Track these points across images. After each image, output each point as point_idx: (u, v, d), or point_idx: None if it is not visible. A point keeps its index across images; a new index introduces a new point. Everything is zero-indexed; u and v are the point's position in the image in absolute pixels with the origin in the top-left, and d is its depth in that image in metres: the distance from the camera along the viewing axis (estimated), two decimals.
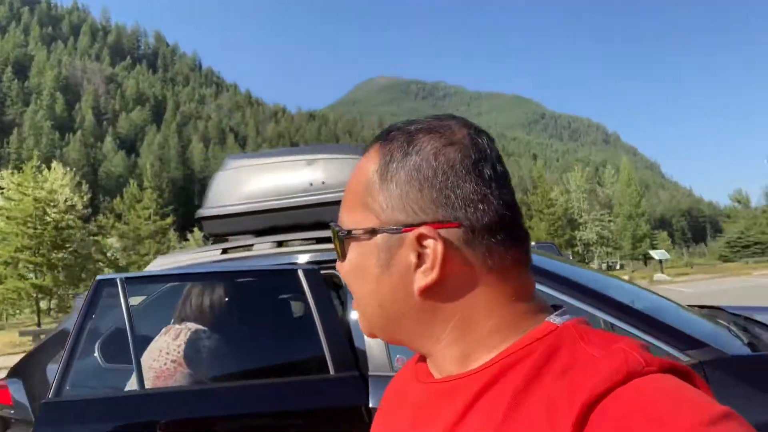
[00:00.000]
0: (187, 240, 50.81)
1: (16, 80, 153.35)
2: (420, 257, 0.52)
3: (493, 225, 0.52)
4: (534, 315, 0.53)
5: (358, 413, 1.94)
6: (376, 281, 0.55)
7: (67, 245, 23.86)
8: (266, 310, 2.57)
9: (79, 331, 1.91)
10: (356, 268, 0.57)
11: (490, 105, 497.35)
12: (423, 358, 0.61)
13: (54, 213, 23.85)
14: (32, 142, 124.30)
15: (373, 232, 0.54)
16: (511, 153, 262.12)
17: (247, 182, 2.86)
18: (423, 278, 0.52)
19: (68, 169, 26.47)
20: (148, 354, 2.12)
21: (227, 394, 2.00)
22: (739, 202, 63.34)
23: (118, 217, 29.17)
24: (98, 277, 2.04)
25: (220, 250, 2.73)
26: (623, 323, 1.90)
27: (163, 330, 2.18)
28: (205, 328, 2.17)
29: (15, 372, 2.80)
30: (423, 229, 0.51)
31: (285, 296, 2.76)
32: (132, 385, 1.97)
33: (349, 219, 0.57)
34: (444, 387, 0.54)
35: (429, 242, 0.51)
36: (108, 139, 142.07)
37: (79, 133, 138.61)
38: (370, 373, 2.06)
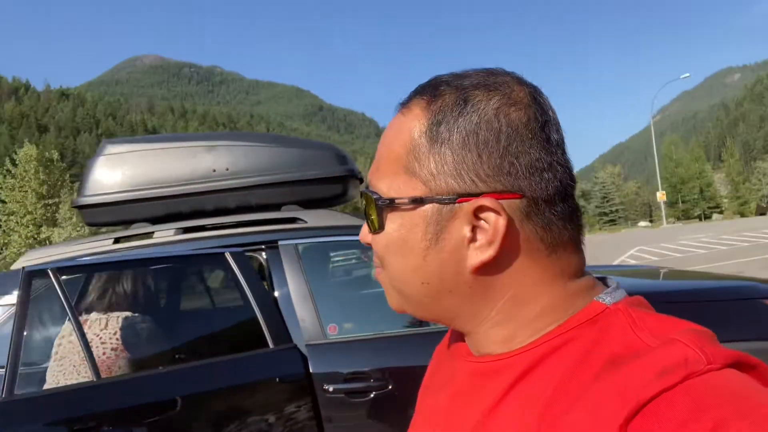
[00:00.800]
0: None
1: None
2: (474, 230, 0.48)
3: (557, 196, 0.48)
4: (584, 293, 0.49)
5: (300, 381, 2.17)
6: (422, 256, 0.50)
7: None
8: (198, 293, 2.57)
9: (20, 329, 1.77)
10: (397, 241, 0.51)
11: (269, 94, 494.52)
12: (460, 334, 0.58)
13: None
14: None
15: (421, 201, 0.49)
16: None
17: (138, 168, 2.77)
18: (478, 255, 0.48)
19: None
20: (74, 347, 2.02)
21: (176, 376, 2.04)
22: None
23: None
24: (26, 268, 1.87)
25: (112, 240, 2.61)
26: None
27: (81, 322, 2.08)
28: (137, 314, 2.14)
29: None
30: (484, 201, 0.47)
31: (217, 278, 2.78)
32: (76, 378, 1.89)
33: (388, 186, 0.51)
34: (484, 367, 0.51)
35: (489, 215, 0.47)
36: None
37: None
38: (306, 343, 2.29)
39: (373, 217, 0.53)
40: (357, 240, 2.58)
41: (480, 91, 0.48)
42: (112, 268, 2.07)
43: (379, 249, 0.54)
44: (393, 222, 0.51)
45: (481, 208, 0.47)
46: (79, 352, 1.96)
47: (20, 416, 1.68)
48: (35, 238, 34.42)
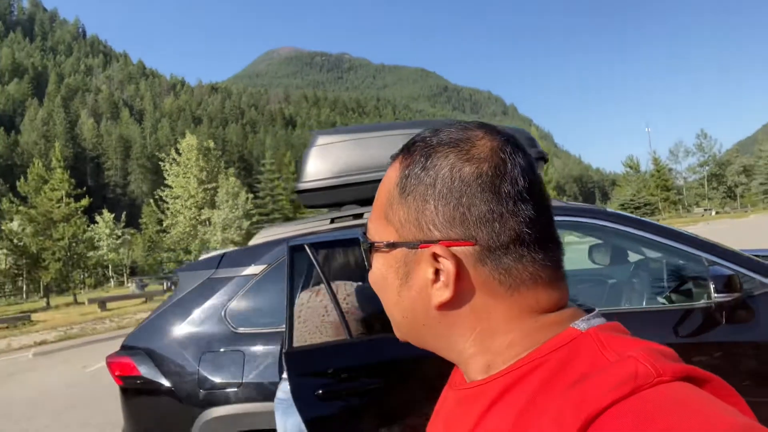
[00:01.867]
0: (95, 222, 48.30)
1: None
2: (437, 273, 0.53)
3: (511, 243, 0.51)
4: (562, 323, 0.52)
5: None
6: (397, 293, 0.56)
7: None
8: None
9: (291, 292, 2.14)
10: (380, 278, 0.58)
11: (395, 78, 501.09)
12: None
13: None
14: None
15: (392, 245, 0.55)
16: None
17: (345, 156, 3.11)
18: (439, 295, 0.52)
19: None
20: (313, 311, 2.38)
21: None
22: (630, 167, 69.64)
23: (23, 200, 26.69)
24: (290, 243, 2.25)
25: (329, 220, 2.99)
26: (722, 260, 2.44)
27: (312, 291, 2.43)
28: (357, 283, 2.45)
29: (132, 345, 2.90)
30: (436, 248, 0.52)
31: None
32: (319, 337, 2.24)
33: (374, 229, 0.58)
34: (468, 393, 0.55)
35: (444, 260, 0.51)
36: None
37: None
38: None
39: (365, 256, 0.60)
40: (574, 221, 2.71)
41: (442, 148, 0.53)
42: (350, 244, 2.39)
43: (371, 284, 0.60)
44: (377, 261, 0.58)
45: (435, 254, 0.52)
46: (319, 315, 2.31)
47: (300, 363, 2.06)
48: (197, 219, 38.33)
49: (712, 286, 2.21)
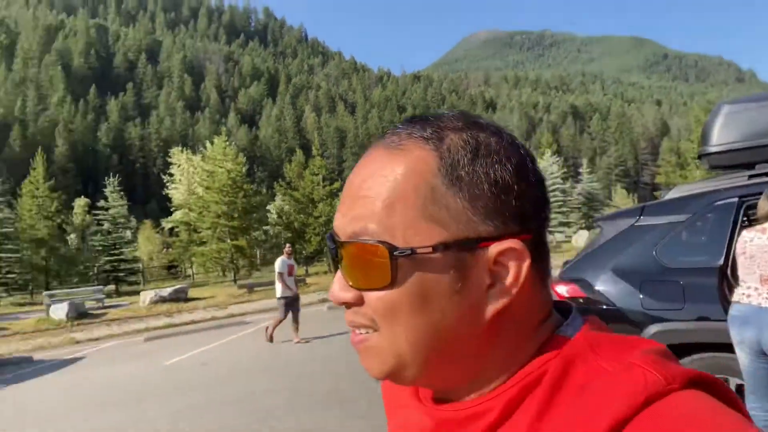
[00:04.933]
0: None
1: (149, 65, 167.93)
2: (492, 275, 0.46)
3: (545, 235, 0.49)
4: (549, 327, 0.49)
5: None
6: (440, 310, 0.45)
7: (254, 211, 27.02)
8: None
9: (732, 234, 2.82)
10: (416, 294, 0.45)
11: (603, 49, 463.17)
12: None
13: (242, 181, 26.91)
14: (168, 122, 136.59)
15: (444, 248, 0.45)
16: (631, 99, 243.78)
17: (755, 120, 3.56)
18: (499, 299, 0.46)
19: (228, 142, 29.17)
20: (759, 248, 2.93)
21: None
22: None
23: (288, 184, 32.33)
24: (716, 202, 2.97)
25: (746, 176, 3.48)
26: None
27: (756, 230, 2.96)
28: None
29: (570, 277, 3.78)
30: (508, 243, 0.45)
31: None
32: None
33: (400, 231, 0.45)
34: (458, 415, 0.48)
35: (511, 258, 0.45)
36: (231, 114, 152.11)
37: (206, 111, 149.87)
38: None
39: (378, 270, 0.46)
40: None
41: (483, 133, 0.48)
42: None
43: (378, 307, 0.47)
44: (408, 274, 0.45)
45: (504, 252, 0.45)
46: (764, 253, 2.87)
47: None
48: None
49: None
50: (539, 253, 0.48)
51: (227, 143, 28.53)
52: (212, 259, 26.64)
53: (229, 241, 25.91)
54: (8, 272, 27.40)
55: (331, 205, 27.43)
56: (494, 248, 0.45)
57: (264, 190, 40.35)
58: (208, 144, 30.24)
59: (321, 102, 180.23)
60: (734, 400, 0.42)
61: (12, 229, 28.15)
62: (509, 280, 0.45)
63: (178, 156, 34.44)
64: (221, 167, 26.46)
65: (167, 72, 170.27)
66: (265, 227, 30.30)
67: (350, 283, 0.48)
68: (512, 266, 0.45)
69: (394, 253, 0.45)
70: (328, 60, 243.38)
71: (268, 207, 32.43)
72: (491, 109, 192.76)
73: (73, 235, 44.37)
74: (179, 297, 18.69)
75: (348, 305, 0.49)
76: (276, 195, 36.00)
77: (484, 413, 0.46)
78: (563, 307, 0.53)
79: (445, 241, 0.45)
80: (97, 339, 13.12)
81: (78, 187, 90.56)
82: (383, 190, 0.46)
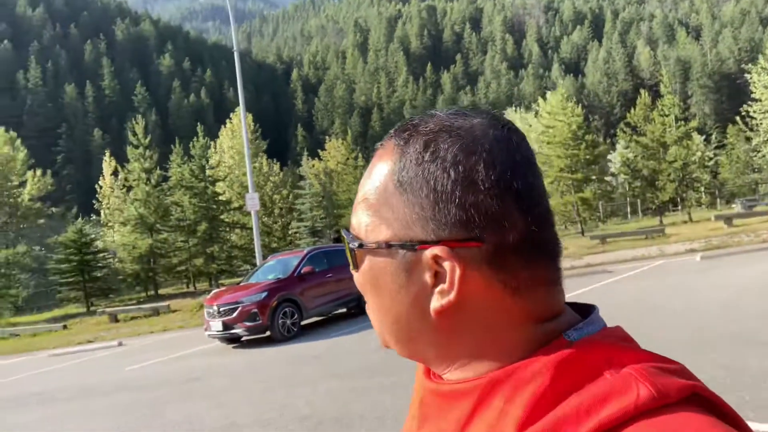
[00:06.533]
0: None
1: (473, 34, 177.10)
2: (437, 276, 0.48)
3: (519, 244, 0.47)
4: (555, 331, 0.48)
5: None
6: (390, 298, 0.51)
7: (596, 162, 26.51)
8: None
9: None
10: (370, 281, 0.53)
11: None
12: None
13: (583, 133, 26.60)
14: (495, 85, 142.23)
15: (387, 246, 0.50)
16: None
17: None
18: (440, 299, 0.48)
19: (564, 94, 28.55)
20: None
21: None
22: None
23: (633, 129, 30.24)
24: None
25: None
26: None
27: None
28: None
29: None
30: (438, 249, 0.47)
31: None
32: None
33: (361, 226, 0.53)
34: (440, 389, 0.52)
35: (446, 263, 0.47)
36: (554, 66, 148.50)
37: (529, 67, 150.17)
38: None
39: (348, 255, 0.54)
40: None
41: (441, 137, 0.48)
42: None
43: (358, 287, 0.56)
44: (367, 262, 0.52)
45: (437, 256, 0.47)
46: None
47: None
48: None
49: None
50: (501, 260, 0.47)
51: (564, 96, 28.27)
52: (558, 212, 27.17)
53: (573, 193, 25.98)
54: None
55: (687, 147, 24.50)
56: (429, 252, 0.47)
57: (600, 139, 38.62)
58: (540, 100, 30.61)
59: (656, 33, 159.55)
60: (733, 416, 0.41)
61: None
62: (448, 282, 0.47)
63: (511, 116, 35.95)
64: (561, 120, 26.50)
65: (490, 36, 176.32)
66: (606, 178, 29.18)
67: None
68: (447, 270, 0.47)
69: (350, 245, 0.53)
70: None
71: (608, 157, 31.04)
72: None
73: None
74: None
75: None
76: (617, 143, 34.08)
77: (463, 394, 0.49)
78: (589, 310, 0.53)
79: (387, 240, 0.50)
80: None
81: None
82: (362, 189, 0.53)
